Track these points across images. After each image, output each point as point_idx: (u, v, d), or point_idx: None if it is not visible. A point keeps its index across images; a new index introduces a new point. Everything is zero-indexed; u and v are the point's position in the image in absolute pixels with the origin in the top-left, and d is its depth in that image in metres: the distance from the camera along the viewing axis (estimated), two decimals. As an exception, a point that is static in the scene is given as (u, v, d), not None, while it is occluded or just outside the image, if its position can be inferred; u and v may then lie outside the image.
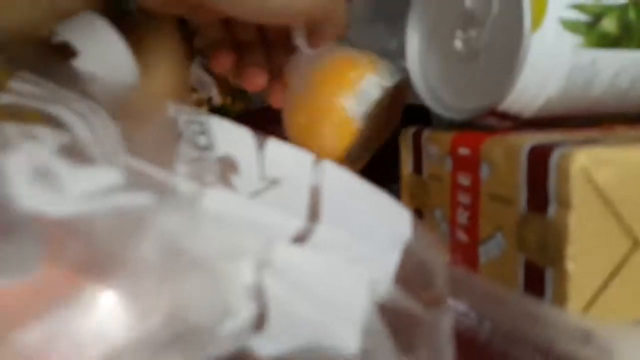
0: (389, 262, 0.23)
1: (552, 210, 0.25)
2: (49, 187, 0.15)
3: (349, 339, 0.17)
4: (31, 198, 0.14)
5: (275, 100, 0.37)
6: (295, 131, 0.37)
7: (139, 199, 0.16)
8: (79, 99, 0.25)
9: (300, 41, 0.35)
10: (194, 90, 0.40)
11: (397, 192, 0.42)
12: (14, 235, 0.14)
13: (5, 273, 0.15)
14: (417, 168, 0.37)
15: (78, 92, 0.26)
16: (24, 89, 0.25)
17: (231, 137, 0.28)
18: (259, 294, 0.19)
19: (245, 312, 0.18)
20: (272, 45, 0.37)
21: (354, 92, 0.35)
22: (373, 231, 0.26)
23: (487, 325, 0.27)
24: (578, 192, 0.24)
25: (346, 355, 0.17)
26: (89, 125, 0.25)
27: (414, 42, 0.36)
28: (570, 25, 0.29)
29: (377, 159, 0.45)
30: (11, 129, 0.18)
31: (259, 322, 0.18)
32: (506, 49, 0.30)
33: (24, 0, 0.27)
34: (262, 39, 0.37)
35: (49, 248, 0.15)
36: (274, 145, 0.27)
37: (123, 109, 0.27)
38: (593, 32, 0.30)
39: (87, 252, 0.15)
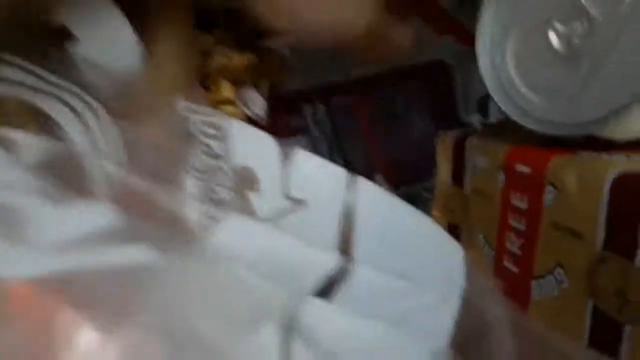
0: (445, 316, 0.19)
1: (641, 257, 0.20)
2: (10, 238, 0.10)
3: None
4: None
5: None
6: None
7: (137, 255, 0.12)
8: (75, 93, 0.21)
9: None
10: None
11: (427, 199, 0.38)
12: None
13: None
14: (457, 179, 0.34)
15: (75, 82, 0.22)
16: (11, 76, 0.20)
17: (253, 145, 0.23)
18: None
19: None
20: None
21: None
22: (421, 270, 0.21)
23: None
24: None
25: None
26: (84, 126, 0.20)
27: (486, 33, 0.30)
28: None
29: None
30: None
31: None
32: (628, 59, 0.24)
33: None
34: None
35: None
36: (302, 158, 0.23)
37: (125, 104, 0.23)
38: None
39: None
